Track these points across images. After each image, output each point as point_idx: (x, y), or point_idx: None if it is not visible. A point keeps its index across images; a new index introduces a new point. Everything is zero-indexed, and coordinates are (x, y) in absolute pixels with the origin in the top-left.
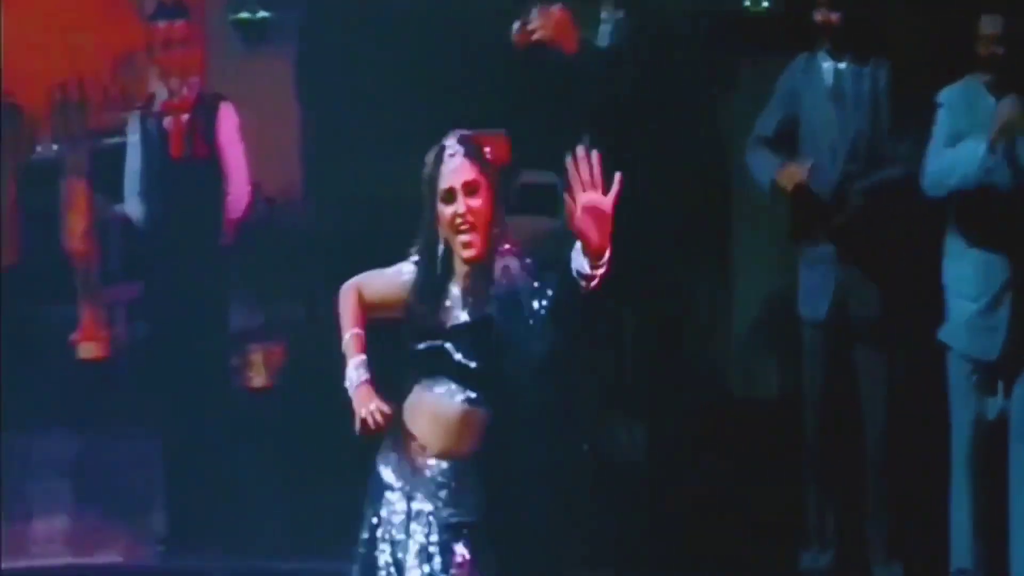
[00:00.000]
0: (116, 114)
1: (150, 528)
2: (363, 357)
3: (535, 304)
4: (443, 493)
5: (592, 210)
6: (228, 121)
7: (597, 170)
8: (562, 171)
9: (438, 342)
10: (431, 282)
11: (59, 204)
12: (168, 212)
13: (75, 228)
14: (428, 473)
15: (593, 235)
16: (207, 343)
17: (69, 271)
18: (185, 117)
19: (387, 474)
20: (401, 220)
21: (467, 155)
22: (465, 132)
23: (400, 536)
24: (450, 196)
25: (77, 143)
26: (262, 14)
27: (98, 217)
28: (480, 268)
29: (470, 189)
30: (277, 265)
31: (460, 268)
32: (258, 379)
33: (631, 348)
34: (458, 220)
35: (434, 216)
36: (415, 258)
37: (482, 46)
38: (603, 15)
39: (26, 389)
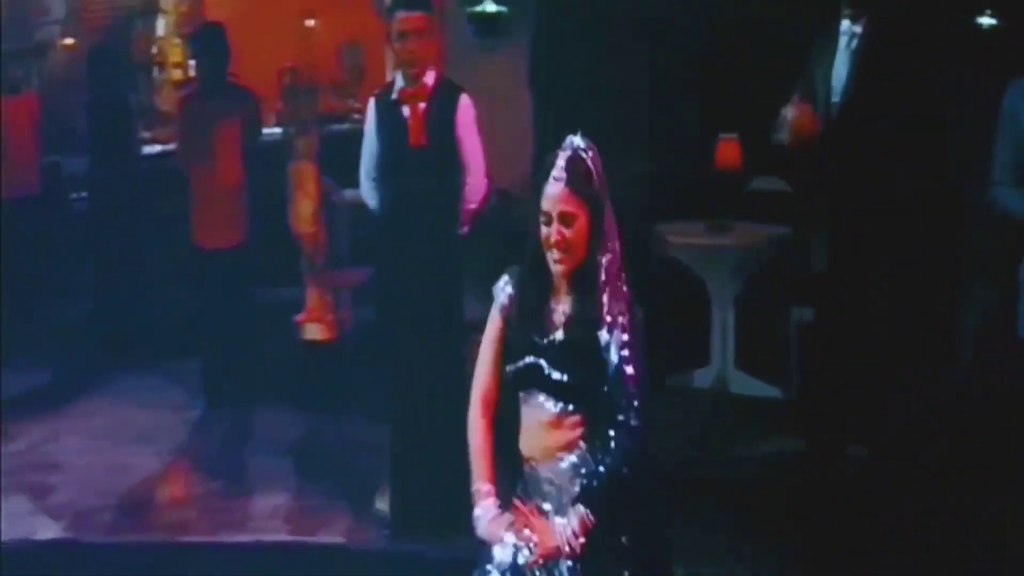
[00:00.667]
0: (344, 100)
1: (374, 511)
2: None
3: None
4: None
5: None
6: (466, 112)
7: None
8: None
9: (532, 359)
10: (530, 295)
11: (287, 187)
12: (404, 199)
13: (303, 211)
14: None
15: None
16: (439, 331)
17: (296, 253)
18: (423, 106)
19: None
20: (631, 217)
21: (569, 183)
22: (581, 146)
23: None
24: (547, 219)
25: (306, 127)
26: (498, 8)
27: (325, 201)
28: (580, 286)
29: (565, 219)
30: (509, 258)
31: (559, 283)
32: None
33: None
34: (551, 241)
35: (538, 228)
36: (505, 278)
37: (718, 48)
38: None
39: (251, 367)
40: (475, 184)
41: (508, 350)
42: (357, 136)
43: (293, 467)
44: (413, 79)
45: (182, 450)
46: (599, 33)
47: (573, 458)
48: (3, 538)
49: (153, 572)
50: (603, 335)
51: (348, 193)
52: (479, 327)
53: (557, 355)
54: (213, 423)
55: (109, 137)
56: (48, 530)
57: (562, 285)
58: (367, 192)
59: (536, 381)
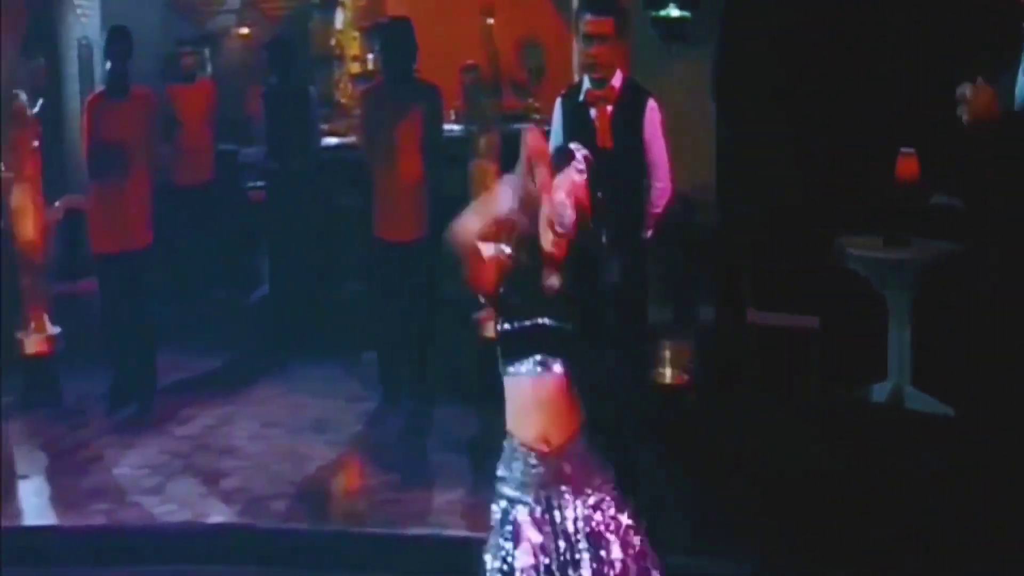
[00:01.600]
0: (524, 99)
1: None
2: None
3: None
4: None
5: None
6: (653, 116)
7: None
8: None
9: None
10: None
11: (468, 184)
12: None
13: None
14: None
15: None
16: (624, 334)
17: None
18: (610, 109)
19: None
20: (814, 224)
21: (590, 177)
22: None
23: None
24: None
25: (488, 125)
26: (681, 12)
27: None
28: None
29: (581, 209)
30: (690, 263)
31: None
32: (669, 375)
33: None
34: (559, 228)
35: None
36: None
37: (900, 60)
38: None
39: (430, 361)
40: (661, 188)
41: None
42: None
43: (469, 463)
44: (600, 81)
45: (357, 441)
46: (782, 40)
47: None
48: (172, 519)
49: (326, 560)
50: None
51: None
52: (660, 332)
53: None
54: (389, 416)
55: (287, 128)
56: (219, 514)
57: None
58: None
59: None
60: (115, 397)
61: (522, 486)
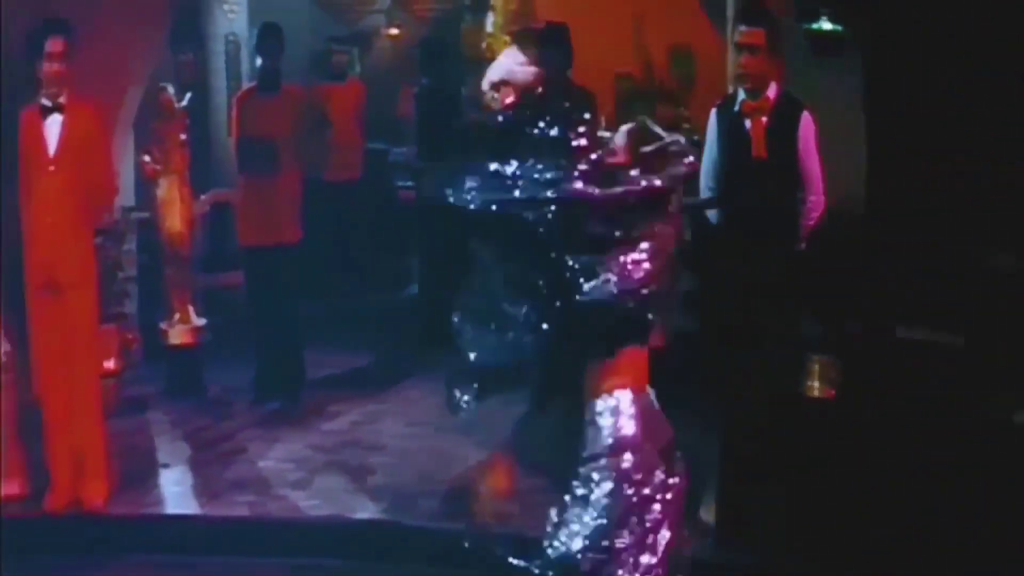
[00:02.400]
0: (675, 108)
1: (697, 520)
2: None
3: None
4: None
5: None
6: (808, 128)
7: None
8: None
9: None
10: None
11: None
12: (743, 211)
13: None
14: None
15: None
16: (774, 347)
17: None
18: (764, 120)
19: None
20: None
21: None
22: None
23: None
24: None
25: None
26: (833, 25)
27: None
28: None
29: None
30: (838, 277)
31: None
32: (817, 389)
33: None
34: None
35: None
36: None
37: None
38: None
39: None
40: (815, 201)
41: None
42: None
43: None
44: (755, 92)
45: (506, 444)
46: (934, 52)
47: None
48: (317, 513)
49: (471, 559)
50: None
51: (693, 200)
52: (807, 346)
53: None
54: (540, 421)
55: (439, 129)
56: (366, 510)
57: None
58: (706, 200)
59: None
60: (260, 390)
61: None
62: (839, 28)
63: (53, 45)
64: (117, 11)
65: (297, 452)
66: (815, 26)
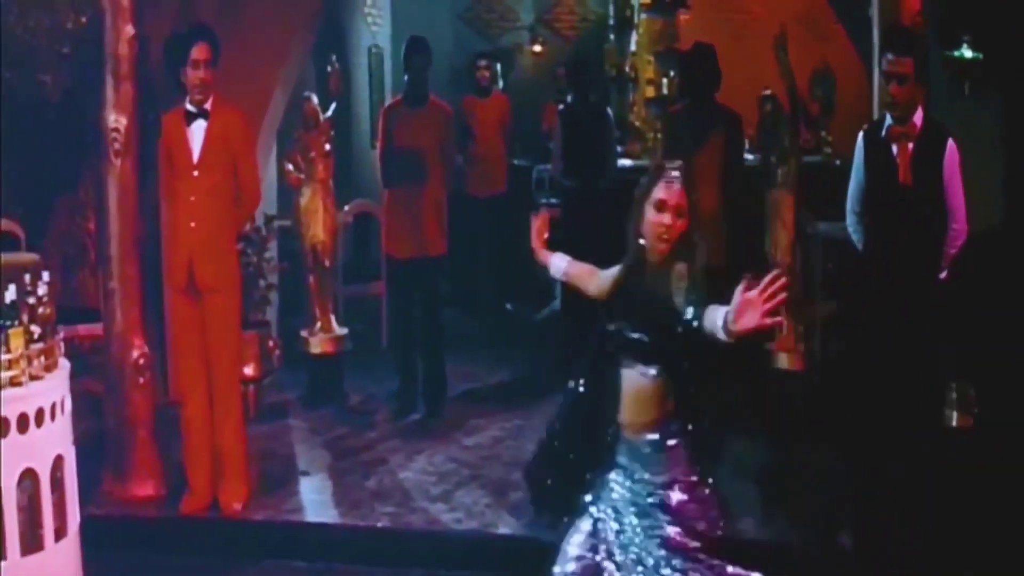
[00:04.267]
0: (816, 132)
1: (837, 544)
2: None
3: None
4: (656, 459)
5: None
6: (953, 157)
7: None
8: None
9: (621, 323)
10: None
11: (765, 214)
12: (888, 236)
13: (780, 240)
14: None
15: (742, 321)
16: (915, 372)
17: None
18: (911, 146)
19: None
20: None
21: (684, 185)
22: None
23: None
24: (662, 207)
25: (786, 156)
26: (974, 53)
27: (800, 232)
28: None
29: (679, 211)
30: (976, 305)
31: (652, 266)
32: (956, 418)
33: None
34: (661, 229)
35: (640, 221)
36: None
37: None
38: None
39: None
40: (958, 230)
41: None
42: (829, 169)
43: (757, 493)
44: (903, 118)
45: None
46: None
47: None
48: (459, 528)
49: None
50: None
51: (823, 226)
52: (950, 373)
53: (637, 319)
54: None
55: (584, 147)
56: (507, 525)
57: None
58: (852, 226)
59: (622, 344)
60: (401, 402)
61: None
62: (979, 55)
63: (199, 52)
64: (264, 19)
65: (439, 465)
66: (956, 53)
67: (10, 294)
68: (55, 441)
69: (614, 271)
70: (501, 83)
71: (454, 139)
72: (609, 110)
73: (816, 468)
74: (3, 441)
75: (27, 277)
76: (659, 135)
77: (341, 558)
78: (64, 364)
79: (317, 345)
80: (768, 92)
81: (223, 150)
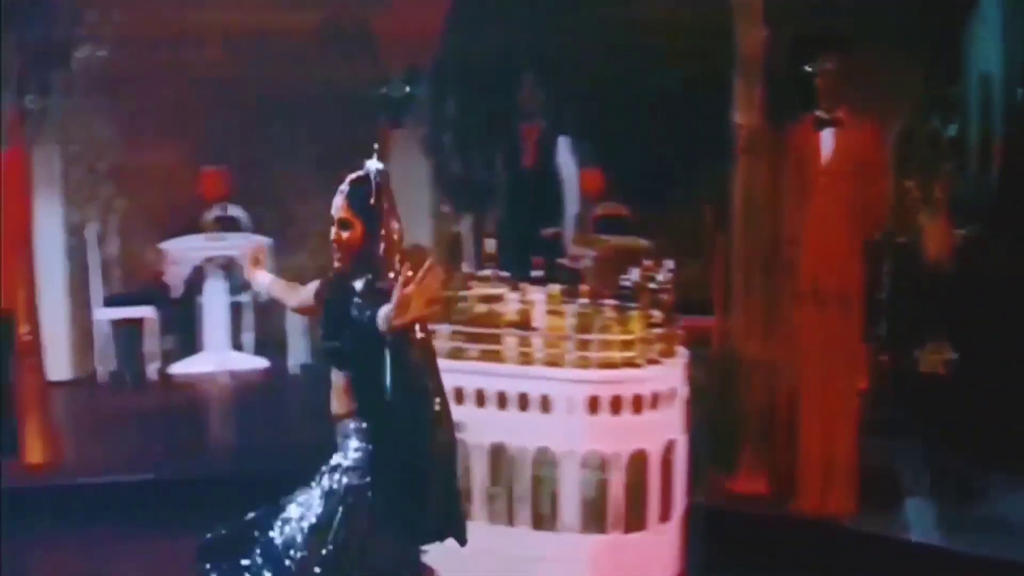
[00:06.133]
0: None
1: None
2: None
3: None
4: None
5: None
6: None
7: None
8: None
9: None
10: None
11: None
12: None
13: None
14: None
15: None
16: None
17: None
18: None
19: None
20: None
21: (347, 196)
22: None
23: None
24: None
25: None
26: None
27: None
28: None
29: (343, 224)
30: None
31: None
32: None
33: None
34: (333, 244)
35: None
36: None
37: None
38: None
39: None
40: None
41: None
42: None
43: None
44: None
45: None
46: None
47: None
48: None
49: None
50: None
51: None
52: None
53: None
54: None
55: None
56: None
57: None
58: None
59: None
60: None
61: None
62: None
63: (828, 60)
64: None
65: None
66: None
67: (633, 276)
68: (668, 425)
69: (314, 285)
70: None
71: None
72: None
73: None
74: (615, 420)
75: (646, 264)
76: None
77: None
78: (682, 352)
79: (928, 365)
80: None
81: (854, 159)
